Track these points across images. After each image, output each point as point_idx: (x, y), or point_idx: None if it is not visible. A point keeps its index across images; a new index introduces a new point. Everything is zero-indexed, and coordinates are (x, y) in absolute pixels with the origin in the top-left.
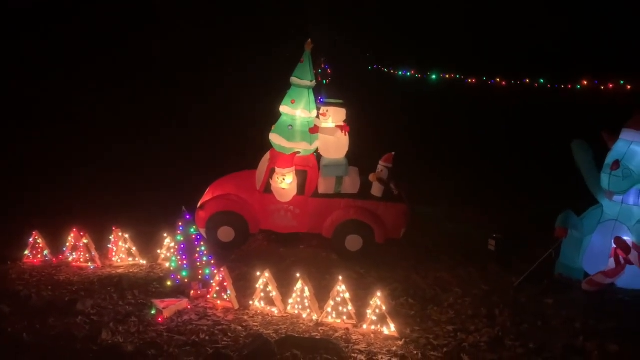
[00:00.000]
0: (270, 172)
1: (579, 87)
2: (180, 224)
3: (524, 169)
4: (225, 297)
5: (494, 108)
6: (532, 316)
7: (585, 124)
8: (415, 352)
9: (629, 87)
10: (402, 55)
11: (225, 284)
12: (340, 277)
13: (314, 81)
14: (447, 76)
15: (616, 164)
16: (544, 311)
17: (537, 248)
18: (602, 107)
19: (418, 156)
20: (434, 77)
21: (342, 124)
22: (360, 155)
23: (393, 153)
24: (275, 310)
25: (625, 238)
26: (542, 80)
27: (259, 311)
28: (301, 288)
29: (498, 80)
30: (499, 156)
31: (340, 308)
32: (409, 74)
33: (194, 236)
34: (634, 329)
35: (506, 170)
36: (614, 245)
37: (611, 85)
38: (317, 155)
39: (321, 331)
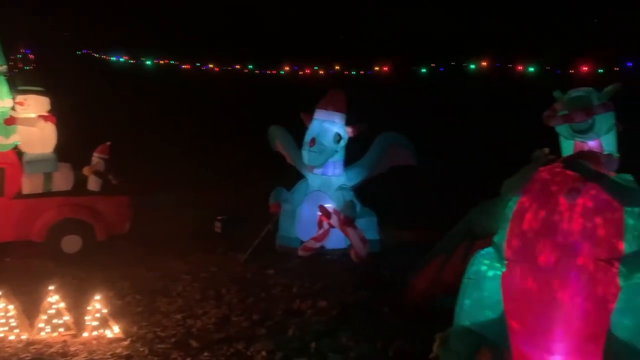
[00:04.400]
0: None
1: (282, 72)
2: None
3: (245, 152)
4: None
5: (210, 93)
6: (256, 289)
7: (289, 106)
8: (142, 349)
9: (322, 72)
10: (114, 40)
11: None
12: (51, 287)
13: (6, 66)
14: (162, 62)
15: (313, 141)
16: (266, 282)
17: (261, 225)
18: (303, 90)
19: (139, 145)
20: (148, 62)
21: (45, 113)
22: (72, 148)
23: (109, 143)
24: None
25: (327, 205)
26: (251, 66)
27: None
28: (4, 307)
29: (211, 66)
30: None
31: (56, 320)
32: (122, 59)
33: None
34: (337, 285)
35: (228, 154)
36: (319, 213)
37: (308, 71)
38: (18, 151)
39: (33, 350)
